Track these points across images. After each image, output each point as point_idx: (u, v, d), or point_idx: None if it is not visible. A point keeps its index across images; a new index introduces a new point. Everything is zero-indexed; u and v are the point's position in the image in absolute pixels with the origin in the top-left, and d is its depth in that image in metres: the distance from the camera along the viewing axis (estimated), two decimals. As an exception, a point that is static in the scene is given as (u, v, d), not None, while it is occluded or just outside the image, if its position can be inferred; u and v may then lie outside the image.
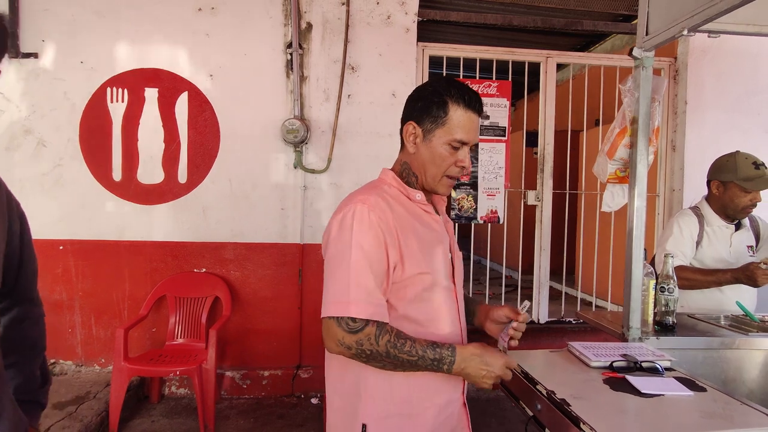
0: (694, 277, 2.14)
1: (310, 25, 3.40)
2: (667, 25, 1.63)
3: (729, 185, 2.19)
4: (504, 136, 3.58)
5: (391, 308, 1.19)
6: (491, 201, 3.61)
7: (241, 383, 3.38)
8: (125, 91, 3.30)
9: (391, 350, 1.12)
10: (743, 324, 1.98)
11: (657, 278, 1.85)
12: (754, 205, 2.19)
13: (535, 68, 3.69)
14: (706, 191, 2.36)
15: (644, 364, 1.43)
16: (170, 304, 3.27)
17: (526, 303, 1.31)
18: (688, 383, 1.35)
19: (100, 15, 3.27)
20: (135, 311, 3.25)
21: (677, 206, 3.69)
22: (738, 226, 2.30)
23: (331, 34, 3.41)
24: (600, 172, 2.12)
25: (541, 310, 3.74)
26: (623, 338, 1.81)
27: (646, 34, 1.76)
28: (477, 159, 3.57)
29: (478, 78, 3.60)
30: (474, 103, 1.23)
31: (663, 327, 1.84)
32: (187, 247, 3.37)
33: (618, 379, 1.37)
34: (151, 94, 3.32)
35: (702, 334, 1.85)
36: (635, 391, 1.29)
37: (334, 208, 1.26)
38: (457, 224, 3.42)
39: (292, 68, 3.36)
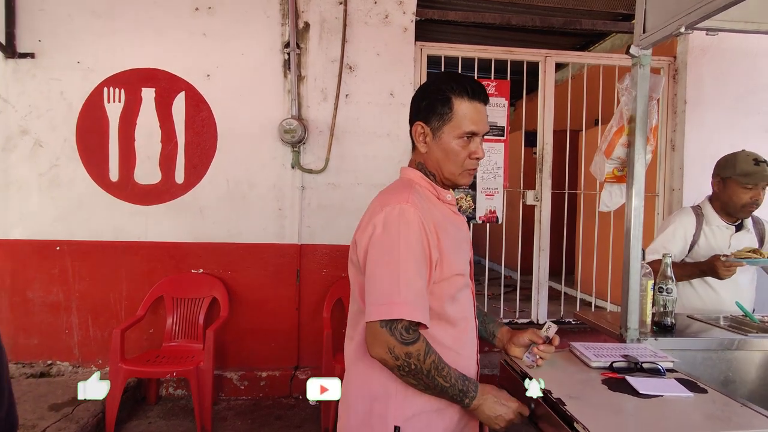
0: None
1: (307, 25, 3.39)
2: (665, 22, 1.62)
3: (728, 181, 2.15)
4: (503, 135, 3.57)
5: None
6: (490, 201, 3.59)
7: (238, 384, 3.36)
8: (122, 91, 3.29)
9: (433, 371, 1.12)
10: (743, 325, 1.96)
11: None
12: (757, 205, 2.13)
13: (533, 68, 3.67)
14: (705, 191, 2.33)
15: (645, 365, 1.42)
16: (167, 304, 3.25)
17: (551, 326, 1.37)
18: (690, 385, 1.33)
19: (96, 15, 3.26)
20: (132, 312, 3.24)
21: (677, 206, 3.66)
22: (739, 228, 2.25)
23: (328, 33, 3.40)
24: (597, 172, 2.10)
25: (540, 310, 3.72)
26: (621, 339, 1.80)
27: (644, 31, 1.75)
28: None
29: (476, 78, 3.58)
30: (478, 93, 1.23)
31: (661, 328, 1.82)
32: (184, 247, 3.35)
33: (617, 379, 1.36)
34: (148, 94, 3.31)
35: (701, 335, 1.83)
36: (633, 392, 1.27)
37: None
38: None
39: (289, 68, 3.34)
